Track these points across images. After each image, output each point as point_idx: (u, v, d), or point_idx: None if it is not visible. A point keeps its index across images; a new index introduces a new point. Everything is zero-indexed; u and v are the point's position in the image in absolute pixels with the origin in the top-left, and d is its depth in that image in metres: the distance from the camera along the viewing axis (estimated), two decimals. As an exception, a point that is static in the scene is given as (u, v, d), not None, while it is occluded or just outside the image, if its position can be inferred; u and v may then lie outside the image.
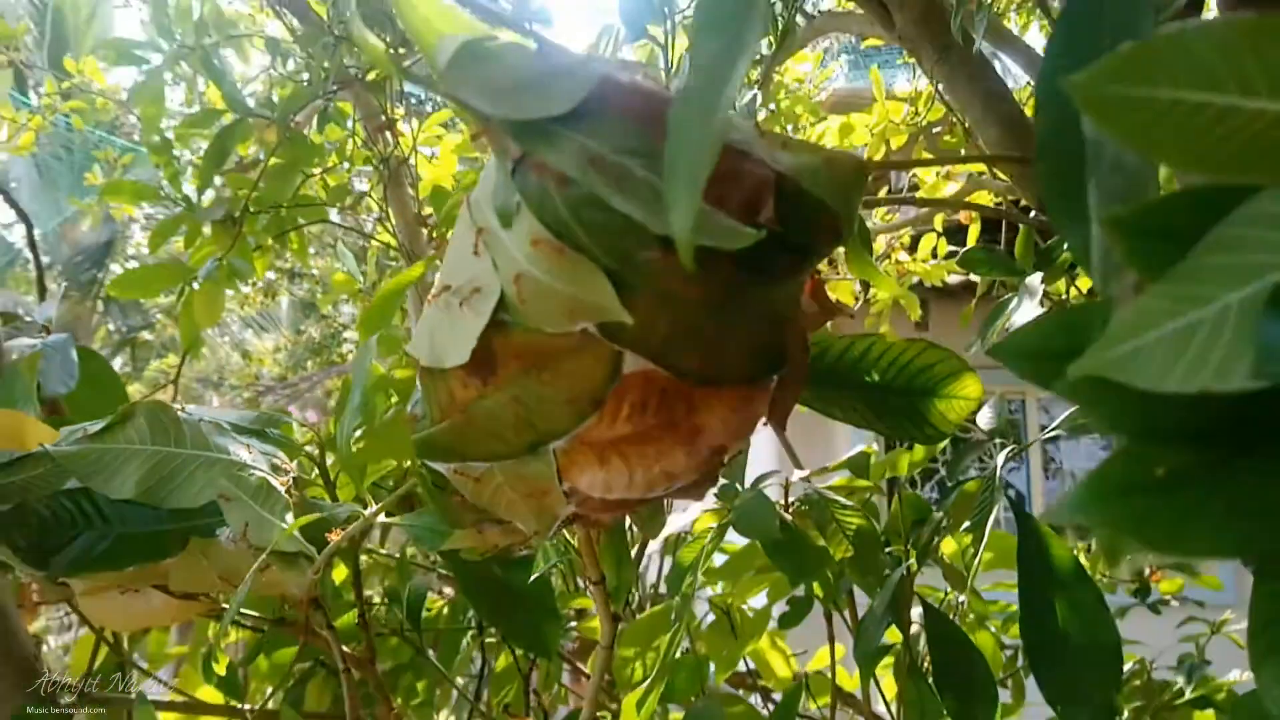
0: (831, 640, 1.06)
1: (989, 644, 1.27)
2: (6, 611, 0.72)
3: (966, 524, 0.83)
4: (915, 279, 2.22)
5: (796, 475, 0.95)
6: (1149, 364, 0.19)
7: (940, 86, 1.20)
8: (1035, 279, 0.93)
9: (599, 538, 0.51)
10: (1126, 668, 1.34)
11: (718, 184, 0.29)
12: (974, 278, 1.66)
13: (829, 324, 0.42)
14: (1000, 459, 0.80)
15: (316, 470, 0.67)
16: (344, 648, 0.64)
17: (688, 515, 0.88)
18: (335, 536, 0.54)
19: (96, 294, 6.24)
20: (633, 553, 0.53)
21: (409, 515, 0.53)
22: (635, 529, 0.54)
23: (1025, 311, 0.87)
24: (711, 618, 1.31)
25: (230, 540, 0.55)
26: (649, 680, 0.74)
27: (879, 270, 0.52)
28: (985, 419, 0.88)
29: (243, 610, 0.65)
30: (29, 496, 0.56)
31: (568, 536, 0.62)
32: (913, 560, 0.90)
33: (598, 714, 1.10)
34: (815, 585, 0.98)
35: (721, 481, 0.92)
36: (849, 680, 1.20)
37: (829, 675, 1.13)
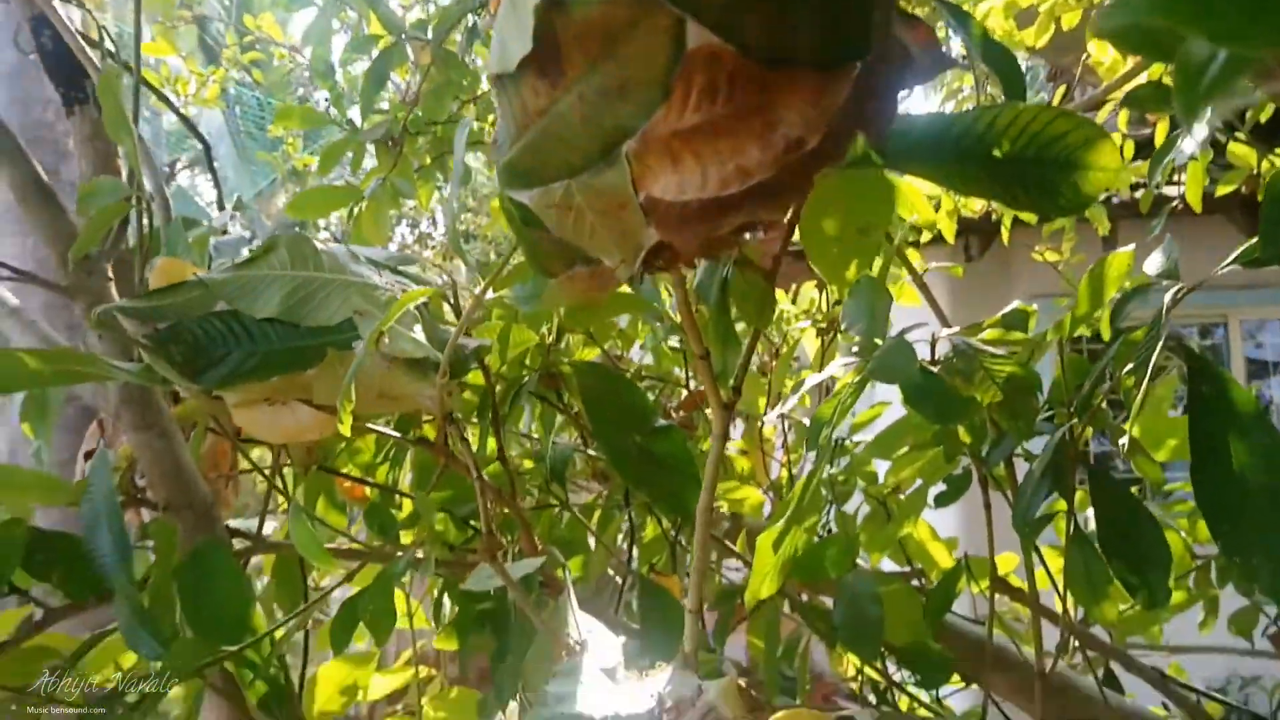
0: (989, 514, 1.01)
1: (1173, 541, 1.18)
2: (184, 464, 0.79)
3: (1129, 366, 0.76)
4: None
5: (945, 331, 0.90)
6: None
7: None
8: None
9: (698, 307, 0.50)
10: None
11: None
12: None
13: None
14: (1168, 298, 0.73)
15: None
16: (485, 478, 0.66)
17: (827, 371, 0.86)
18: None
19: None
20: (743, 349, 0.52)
21: (511, 288, 0.54)
22: (742, 322, 0.53)
23: (1194, 138, 0.79)
24: (867, 509, 1.28)
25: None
26: (785, 519, 0.73)
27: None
28: (1155, 264, 0.81)
29: (375, 427, 0.68)
30: (183, 317, 0.60)
31: (669, 314, 0.61)
32: (1073, 420, 0.85)
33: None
34: (969, 449, 0.94)
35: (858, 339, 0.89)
36: (1010, 563, 1.15)
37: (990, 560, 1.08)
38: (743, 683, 0.54)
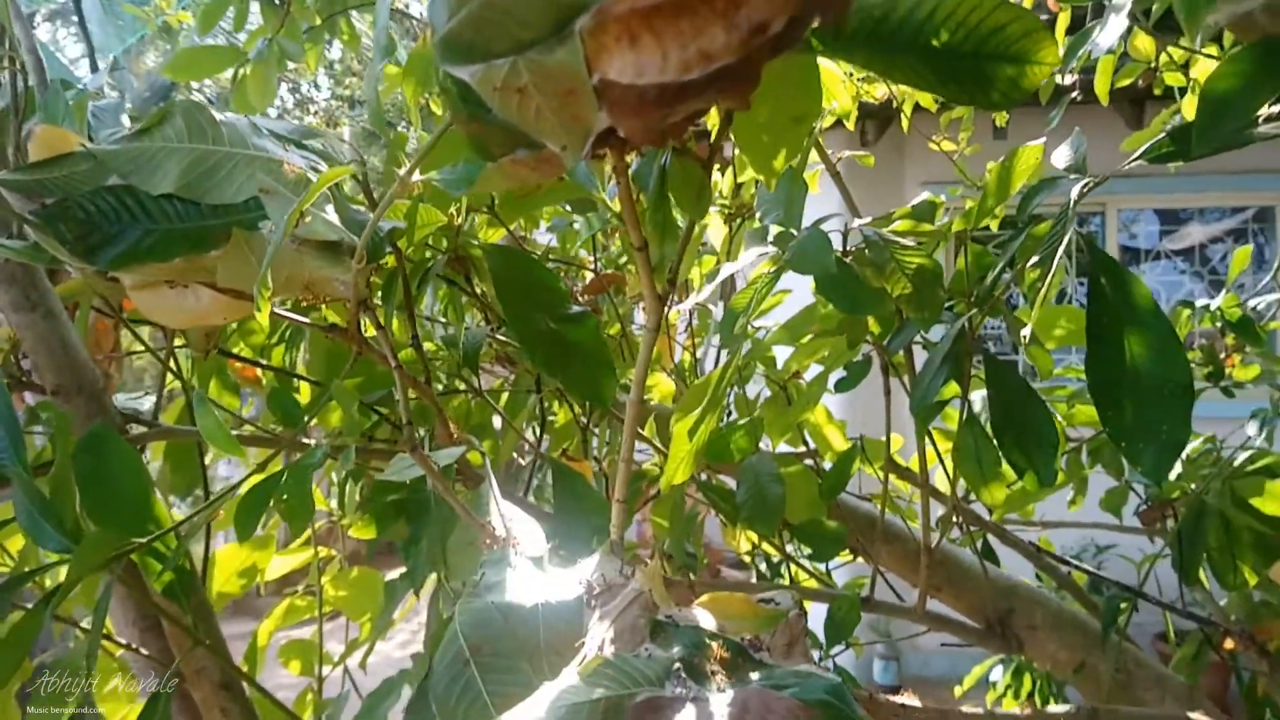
0: (888, 400, 1.05)
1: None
2: (72, 344, 0.74)
3: (1034, 259, 0.79)
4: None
5: (857, 222, 0.91)
6: None
7: None
8: None
9: (638, 196, 0.49)
10: (1195, 444, 1.32)
11: None
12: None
13: None
14: (1075, 191, 0.75)
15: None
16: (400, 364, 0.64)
17: (741, 261, 0.86)
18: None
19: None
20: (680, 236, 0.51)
21: (437, 170, 0.52)
22: (681, 217, 0.52)
23: (1111, 30, 0.80)
24: (768, 394, 1.31)
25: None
26: (701, 409, 0.74)
27: None
28: (1063, 156, 0.83)
29: (284, 313, 0.65)
30: (71, 192, 0.56)
31: (605, 202, 0.60)
32: (974, 311, 0.88)
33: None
34: (872, 336, 0.96)
35: (768, 224, 0.89)
36: (897, 445, 1.20)
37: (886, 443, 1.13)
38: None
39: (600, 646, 0.46)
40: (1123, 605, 1.01)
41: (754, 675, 0.45)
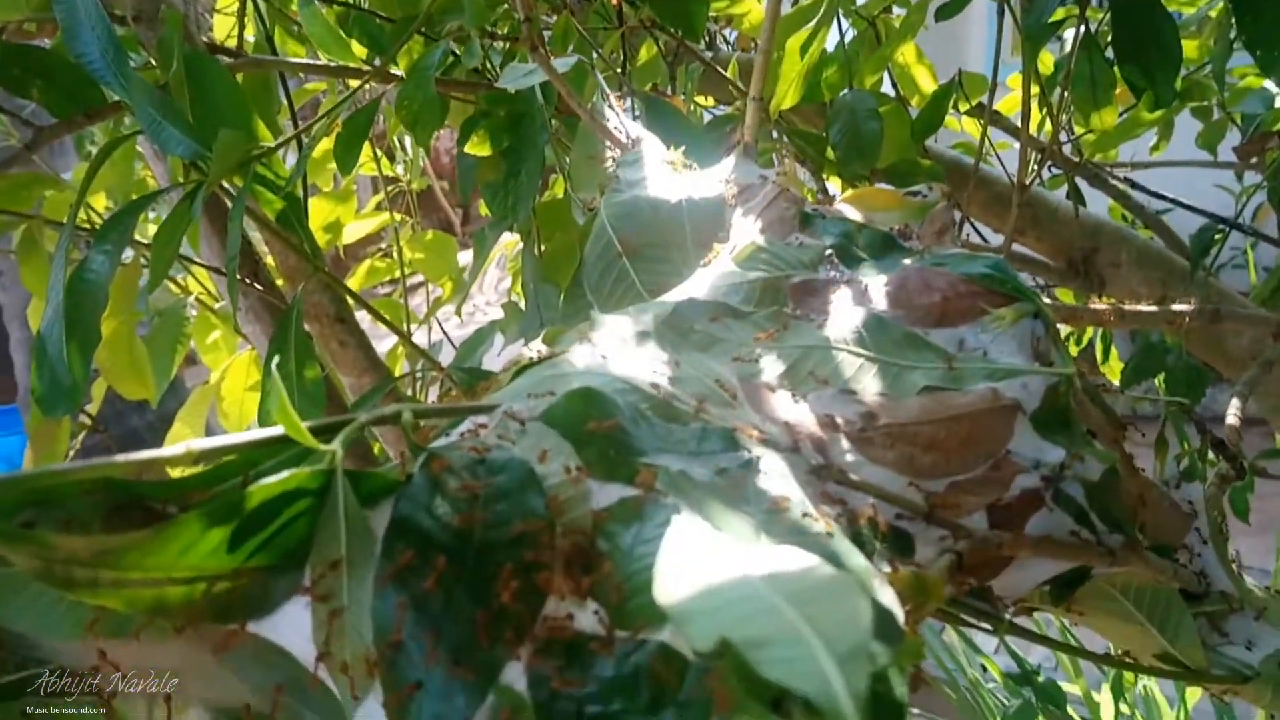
0: (1000, 23, 0.97)
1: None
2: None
3: None
4: None
5: None
6: None
7: None
8: None
9: None
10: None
11: None
12: None
13: None
14: None
15: None
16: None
17: None
18: None
19: None
20: None
21: None
22: None
23: None
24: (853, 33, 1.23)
25: None
26: (816, 20, 0.70)
27: None
28: None
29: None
30: None
31: None
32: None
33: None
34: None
35: None
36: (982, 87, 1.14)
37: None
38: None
39: (750, 238, 0.46)
40: (1216, 237, 0.99)
41: (906, 261, 0.44)
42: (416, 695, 0.25)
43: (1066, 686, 1.13)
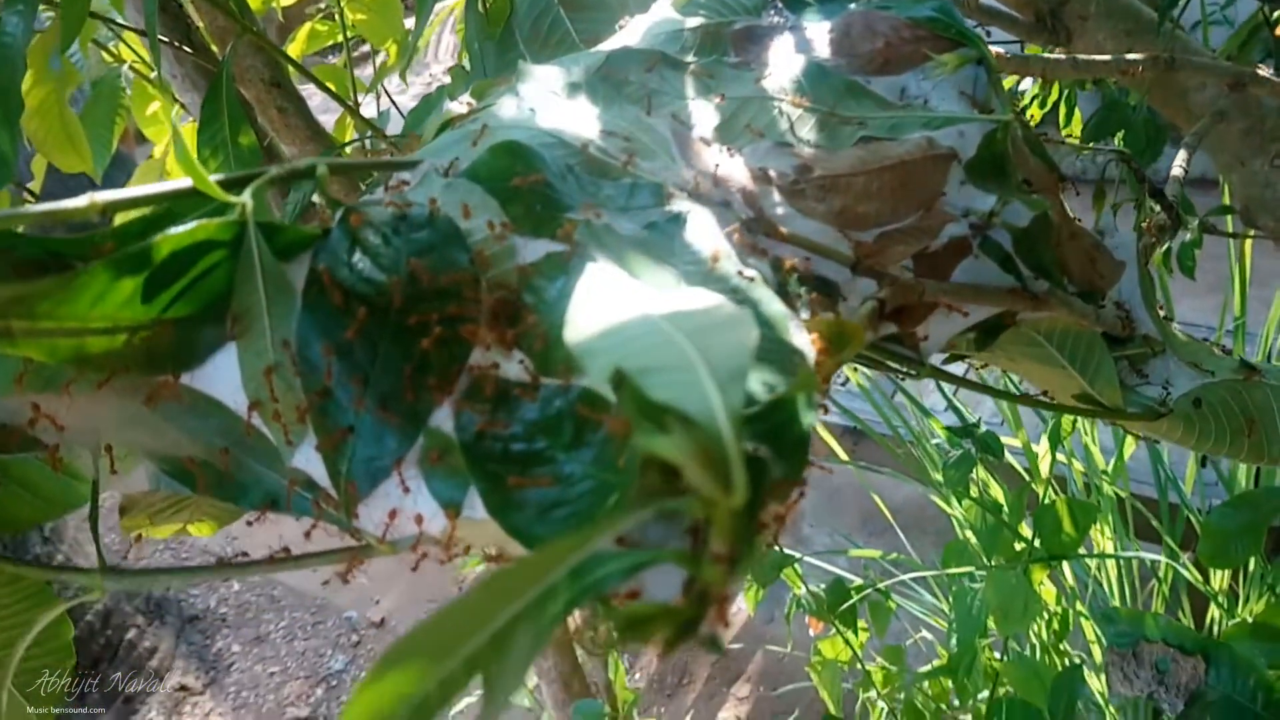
0: None
1: None
2: None
3: None
4: None
5: None
6: None
7: None
8: None
9: None
10: None
11: None
12: None
13: None
14: None
15: None
16: None
17: None
18: None
19: None
20: None
21: None
22: None
23: None
24: None
25: None
26: None
27: None
28: None
29: None
30: None
31: None
32: None
33: None
34: None
35: None
36: None
37: None
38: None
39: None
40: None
41: (851, 6, 0.42)
42: (349, 439, 0.26)
43: (1007, 440, 1.19)
